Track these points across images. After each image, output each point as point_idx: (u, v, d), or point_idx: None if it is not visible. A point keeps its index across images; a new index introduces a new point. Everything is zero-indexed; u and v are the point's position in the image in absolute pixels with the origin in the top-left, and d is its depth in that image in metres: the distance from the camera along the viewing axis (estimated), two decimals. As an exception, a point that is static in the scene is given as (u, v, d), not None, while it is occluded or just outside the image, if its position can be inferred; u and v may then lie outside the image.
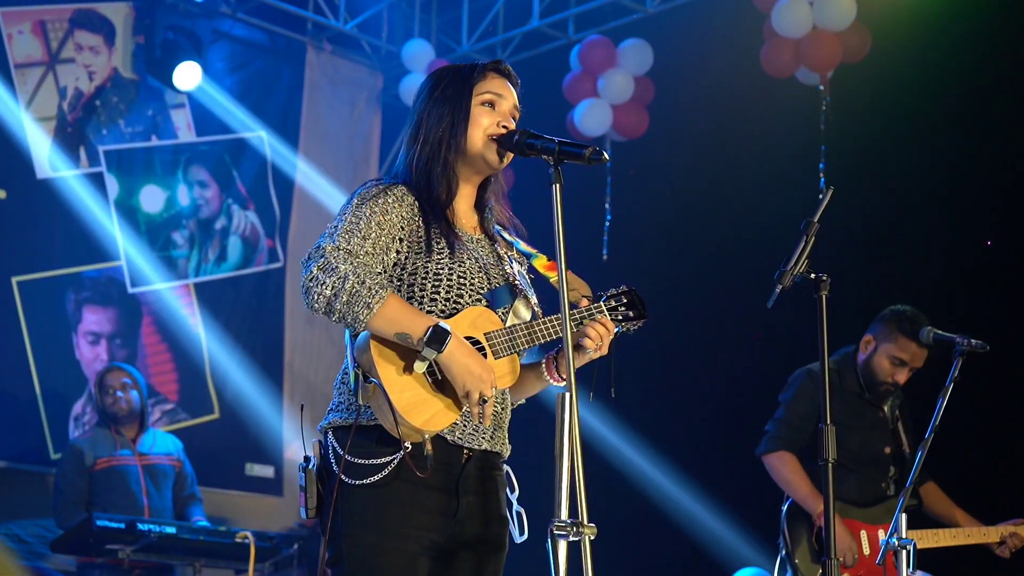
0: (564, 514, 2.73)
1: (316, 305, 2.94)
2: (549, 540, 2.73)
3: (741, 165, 7.33)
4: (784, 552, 5.32)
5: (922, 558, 5.24)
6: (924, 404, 4.60)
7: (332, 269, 2.93)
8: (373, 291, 2.91)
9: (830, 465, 3.39)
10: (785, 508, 5.43)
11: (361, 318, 2.91)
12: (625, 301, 3.23)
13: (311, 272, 2.95)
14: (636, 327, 3.25)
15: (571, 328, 3.03)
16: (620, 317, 3.21)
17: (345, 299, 2.90)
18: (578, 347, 3.12)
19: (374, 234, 3.03)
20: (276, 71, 9.11)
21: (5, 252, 7.74)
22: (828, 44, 7.01)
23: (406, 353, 2.96)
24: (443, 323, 2.94)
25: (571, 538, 2.71)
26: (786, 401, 5.52)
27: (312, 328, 8.85)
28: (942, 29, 6.63)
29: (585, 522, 2.71)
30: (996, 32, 6.56)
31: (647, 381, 7.35)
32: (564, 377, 3.15)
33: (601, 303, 3.21)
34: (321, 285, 2.92)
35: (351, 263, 2.95)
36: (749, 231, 7.11)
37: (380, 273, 3.02)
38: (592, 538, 2.71)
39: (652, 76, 8.01)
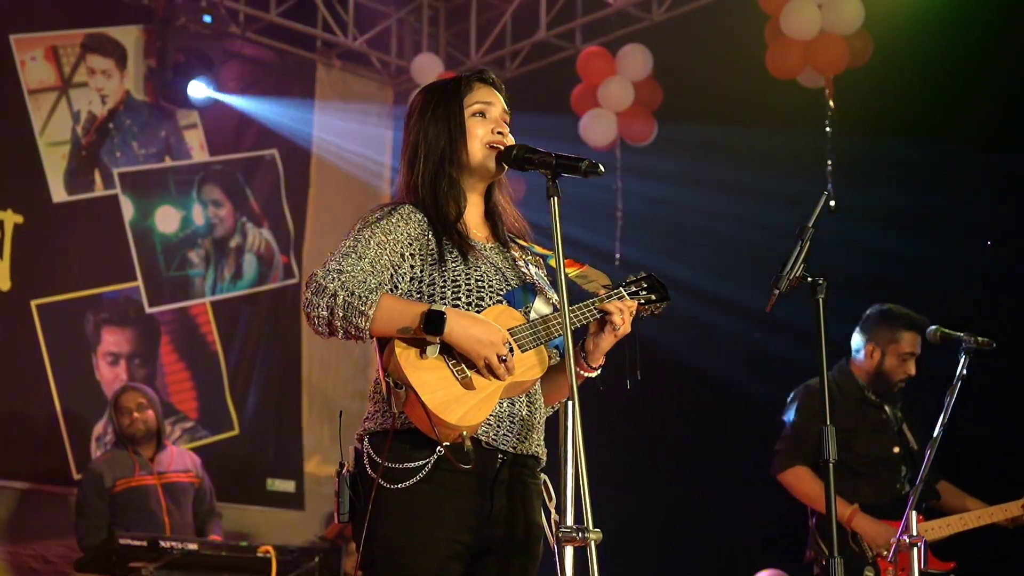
0: (570, 520, 2.78)
1: (319, 328, 3.03)
2: (555, 546, 2.78)
3: (750, 168, 7.36)
4: (823, 563, 5.32)
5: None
6: (931, 402, 4.62)
7: (323, 290, 3.00)
8: (364, 298, 2.97)
9: (831, 464, 3.42)
10: (813, 522, 5.46)
11: (362, 327, 2.98)
12: (646, 285, 3.28)
13: (307, 298, 3.03)
14: (660, 309, 3.29)
15: (588, 320, 3.14)
16: (643, 300, 3.25)
17: (341, 314, 2.98)
18: (604, 325, 3.17)
19: (372, 253, 3.08)
20: (287, 89, 9.18)
21: (24, 276, 7.81)
22: (836, 47, 7.05)
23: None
24: (436, 306, 3.00)
25: (577, 543, 2.76)
26: (790, 419, 5.59)
27: (329, 343, 8.88)
28: (944, 33, 6.66)
29: (590, 527, 2.75)
30: (998, 36, 6.59)
31: (659, 381, 7.36)
32: (593, 366, 3.22)
33: (620, 288, 3.25)
34: (316, 308, 3.00)
35: (340, 280, 3.00)
36: (762, 233, 7.14)
37: (375, 285, 3.05)
38: (597, 543, 2.75)
39: (660, 81, 8.06)
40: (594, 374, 3.25)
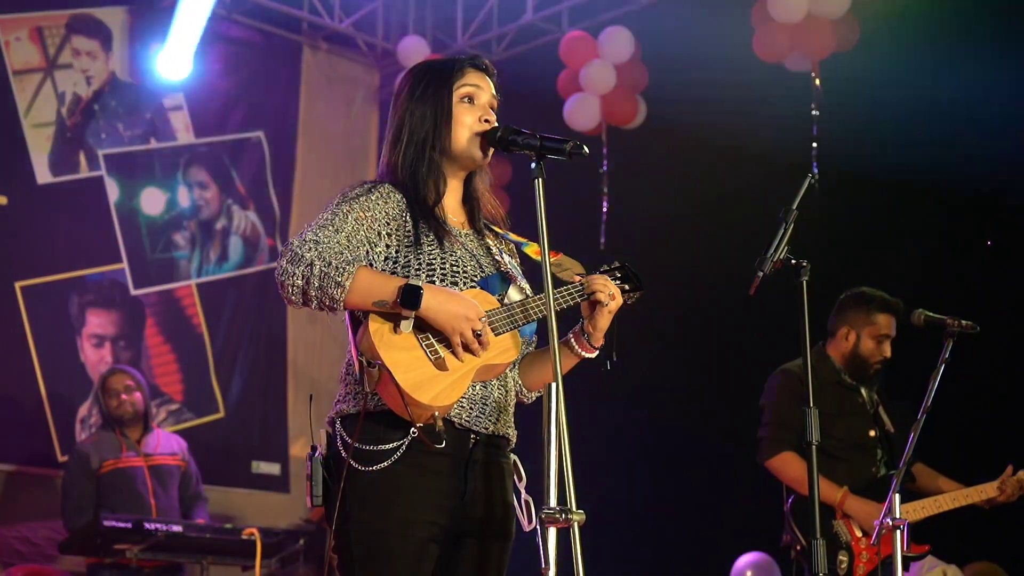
0: (553, 501, 2.78)
1: (292, 297, 3.00)
2: (538, 527, 2.78)
3: (736, 152, 7.36)
4: (798, 548, 5.33)
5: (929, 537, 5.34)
6: (915, 385, 4.63)
7: (299, 259, 2.98)
8: (341, 269, 2.96)
9: (814, 447, 3.43)
10: (789, 505, 5.46)
11: (336, 297, 2.96)
12: (620, 275, 3.29)
13: (281, 266, 3.00)
14: (633, 299, 3.30)
15: (570, 303, 3.16)
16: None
17: (316, 284, 2.95)
18: (595, 306, 3.19)
19: (349, 228, 3.07)
20: (273, 71, 9.15)
21: (8, 257, 7.80)
22: (823, 31, 7.05)
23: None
24: (412, 281, 2.99)
25: (560, 524, 2.76)
26: (770, 404, 5.57)
27: (314, 325, 8.89)
28: (931, 18, 6.67)
29: (574, 508, 2.76)
30: (985, 19, 6.61)
31: (645, 366, 7.38)
32: (596, 346, 3.24)
33: (596, 274, 3.27)
34: (292, 276, 2.97)
35: (316, 251, 2.99)
36: (747, 217, 7.14)
37: (351, 258, 3.03)
38: (580, 524, 2.75)
39: (647, 64, 8.05)
40: (594, 354, 3.26)
